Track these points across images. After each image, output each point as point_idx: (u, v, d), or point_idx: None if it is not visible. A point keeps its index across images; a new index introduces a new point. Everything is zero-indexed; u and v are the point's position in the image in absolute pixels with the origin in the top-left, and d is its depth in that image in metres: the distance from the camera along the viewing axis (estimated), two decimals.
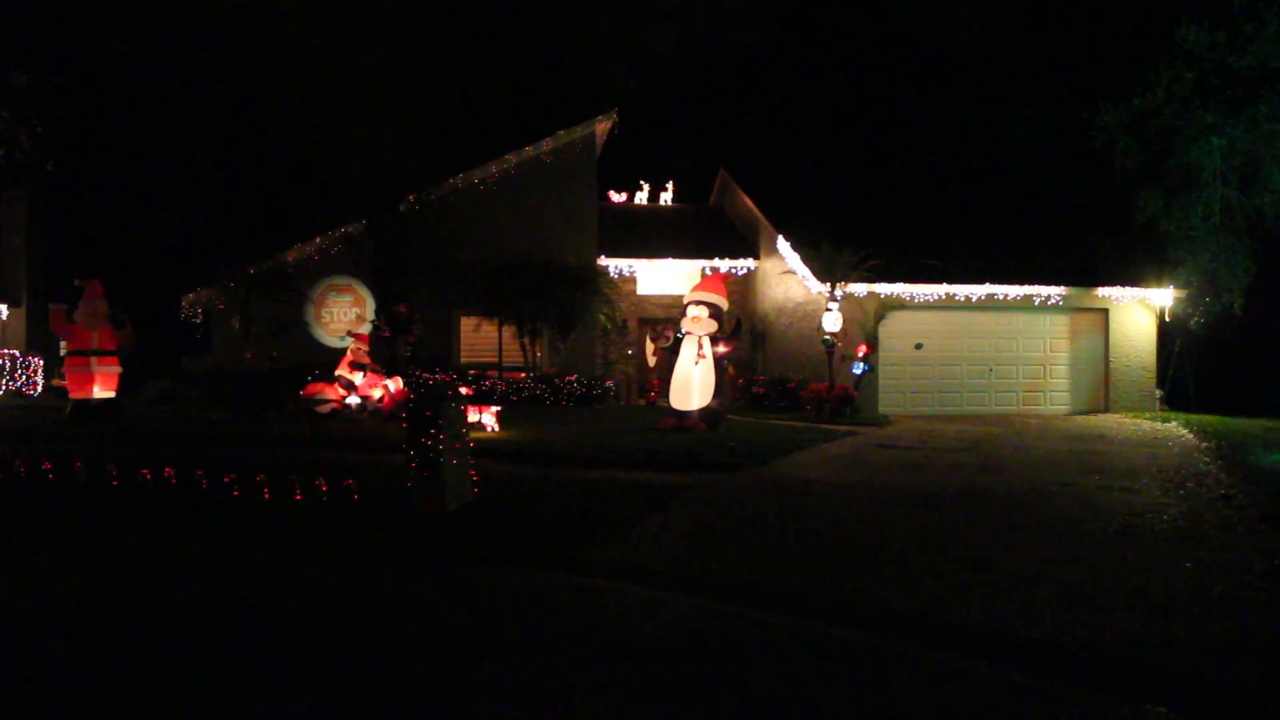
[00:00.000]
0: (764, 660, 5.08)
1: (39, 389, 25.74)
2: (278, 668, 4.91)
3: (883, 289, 22.29)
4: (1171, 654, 5.16)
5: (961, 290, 22.67)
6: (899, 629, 5.63)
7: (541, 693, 4.56)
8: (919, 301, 22.67)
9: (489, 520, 8.46)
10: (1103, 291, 23.34)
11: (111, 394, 16.61)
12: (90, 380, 16.24)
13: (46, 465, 10.19)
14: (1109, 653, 5.17)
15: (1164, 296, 23.47)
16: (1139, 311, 23.78)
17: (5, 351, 26.28)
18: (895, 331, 22.76)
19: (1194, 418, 20.98)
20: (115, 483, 9.85)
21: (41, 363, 26.43)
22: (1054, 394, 23.86)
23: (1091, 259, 24.14)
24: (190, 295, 24.94)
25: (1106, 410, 23.51)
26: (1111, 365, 23.75)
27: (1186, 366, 24.15)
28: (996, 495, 10.38)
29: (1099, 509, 9.49)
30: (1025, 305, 23.16)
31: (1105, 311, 23.70)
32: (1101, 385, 23.92)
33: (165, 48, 19.11)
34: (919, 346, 23.10)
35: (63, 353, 19.15)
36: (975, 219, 26.46)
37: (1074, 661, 5.10)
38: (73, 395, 16.45)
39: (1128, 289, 23.38)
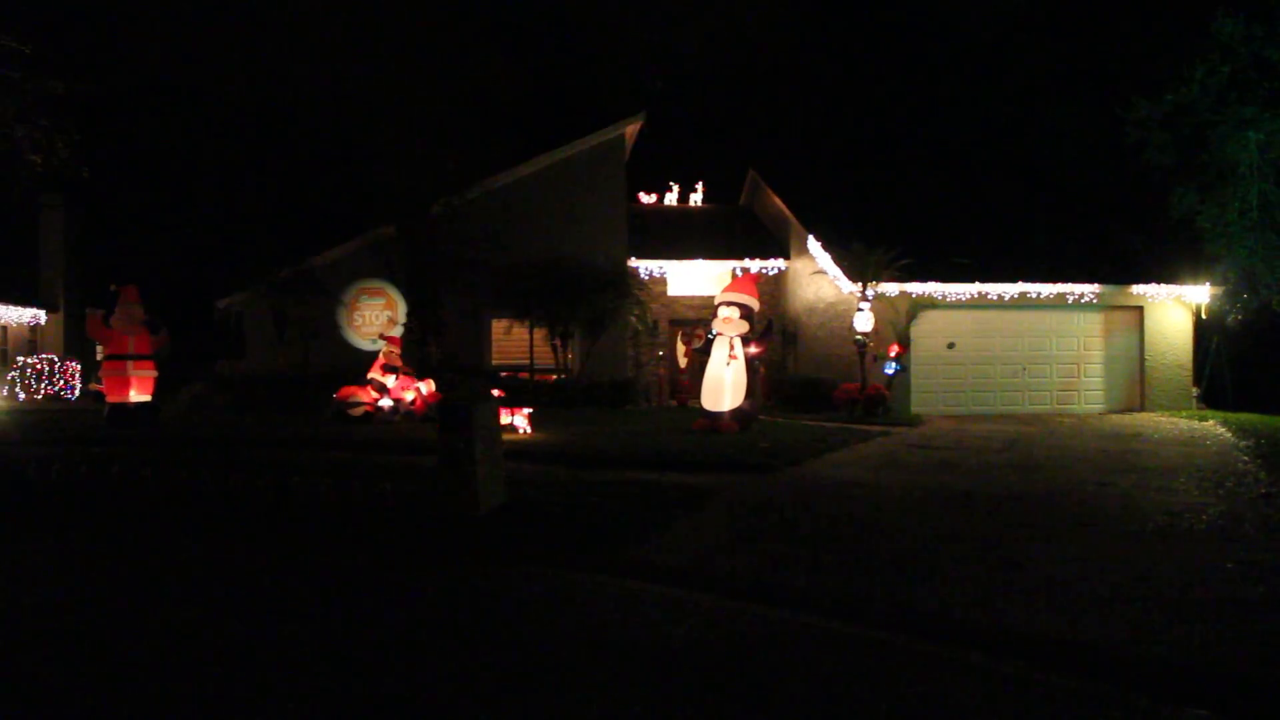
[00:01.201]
0: (798, 662, 5.04)
1: (77, 393, 26.03)
2: (300, 668, 4.91)
3: (914, 288, 22.17)
4: (1213, 656, 5.08)
5: (994, 289, 22.52)
6: (934, 630, 5.57)
7: (572, 694, 4.54)
8: (951, 300, 22.54)
9: (521, 522, 8.46)
10: (1137, 289, 23.10)
11: (148, 398, 16.74)
12: (127, 384, 16.38)
13: (84, 469, 10.27)
14: (1148, 654, 5.10)
15: (1200, 293, 23.22)
16: (1174, 309, 23.52)
17: (44, 356, 26.62)
18: (927, 331, 22.64)
19: (1232, 416, 20.75)
20: (151, 485, 9.92)
21: (79, 367, 26.74)
22: (1088, 393, 23.65)
23: (1125, 256, 23.92)
24: (224, 300, 25.17)
25: (1142, 409, 23.28)
26: (1147, 363, 23.51)
27: (1224, 364, 23.89)
28: (1031, 495, 10.29)
29: (1136, 509, 9.38)
30: (1058, 303, 22.97)
31: (1140, 309, 23.46)
32: (1137, 384, 23.69)
33: (199, 55, 19.26)
34: (951, 346, 22.96)
35: (100, 357, 19.35)
36: (1007, 217, 26.29)
37: (1112, 663, 5.03)
38: (110, 399, 16.59)
39: (1163, 286, 23.14)
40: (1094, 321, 23.64)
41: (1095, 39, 32.42)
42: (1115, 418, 21.69)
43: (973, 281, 22.45)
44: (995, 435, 17.34)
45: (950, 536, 8.08)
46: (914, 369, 22.42)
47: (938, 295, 22.46)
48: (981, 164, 30.05)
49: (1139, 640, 5.30)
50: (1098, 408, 23.49)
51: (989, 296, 22.61)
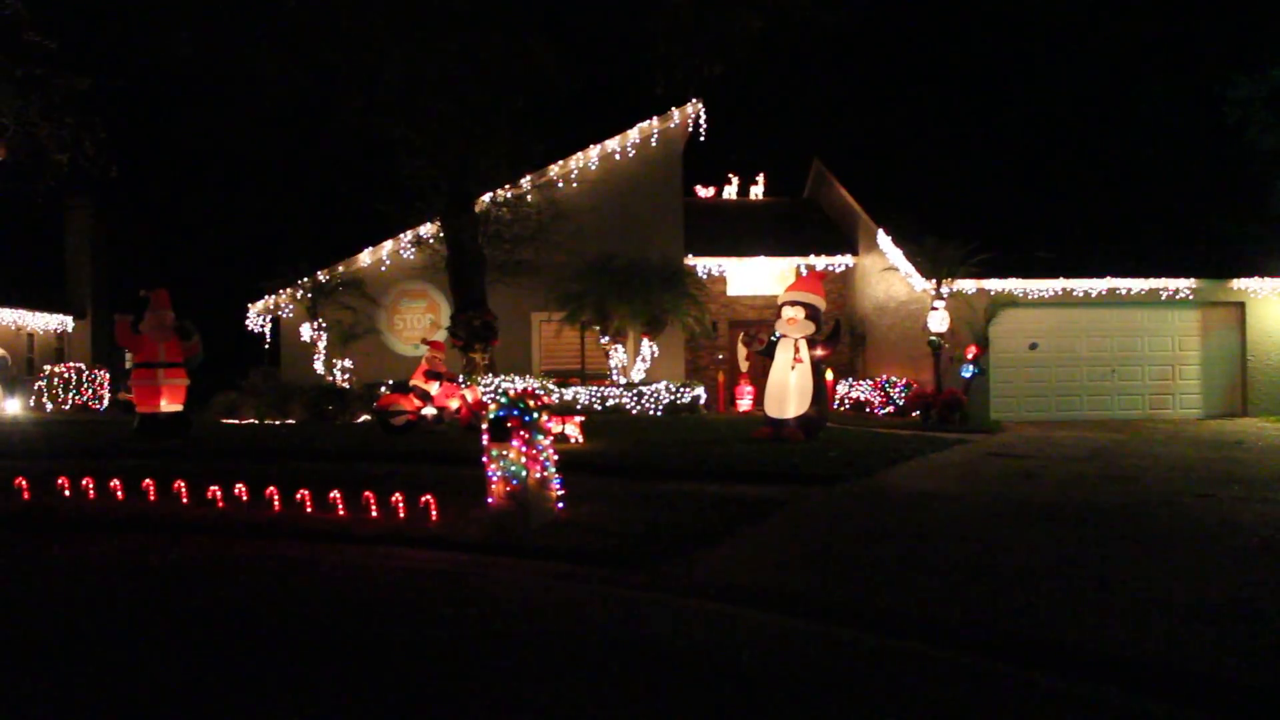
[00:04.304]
0: (868, 685, 5.03)
1: (105, 402, 26.48)
2: (342, 691, 4.98)
3: (993, 285, 21.99)
4: None
5: (1079, 285, 22.28)
6: (1015, 652, 5.53)
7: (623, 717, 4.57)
8: (1033, 298, 22.33)
9: (573, 536, 8.51)
10: (1238, 283, 22.72)
11: (179, 407, 16.93)
12: (157, 393, 16.57)
13: (115, 483, 10.47)
14: (1260, 683, 5.03)
15: None
16: None
17: (71, 365, 27.12)
18: (1007, 331, 22.44)
19: None
20: (185, 500, 10.09)
21: (108, 375, 27.19)
22: (1184, 396, 23.32)
23: (1225, 248, 23.48)
24: (258, 303, 25.48)
25: (1244, 414, 22.90)
26: (1249, 364, 23.12)
27: None
28: (1122, 508, 10.16)
29: (1238, 523, 9.23)
30: (1151, 300, 22.66)
31: (1241, 305, 23.09)
32: (1237, 386, 23.30)
33: (230, 47, 19.54)
34: (1034, 347, 22.73)
35: (129, 365, 19.66)
36: (1094, 207, 25.96)
37: (1216, 692, 4.96)
38: (139, 409, 16.78)
39: (1267, 280, 22.72)
40: (1190, 319, 23.30)
41: (1192, 11, 31.97)
42: (1214, 423, 21.36)
43: (1056, 277, 22.22)
44: (1082, 443, 17.15)
45: (1033, 552, 8.01)
46: (993, 372, 22.24)
47: (1018, 292, 22.26)
48: (1066, 150, 29.68)
49: (1241, 666, 5.23)
50: (1194, 412, 23.15)
51: (1074, 293, 22.37)
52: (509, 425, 8.89)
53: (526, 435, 8.91)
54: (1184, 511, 9.91)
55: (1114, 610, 6.24)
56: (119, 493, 10.39)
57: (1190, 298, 22.72)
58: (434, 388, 18.13)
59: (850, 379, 25.68)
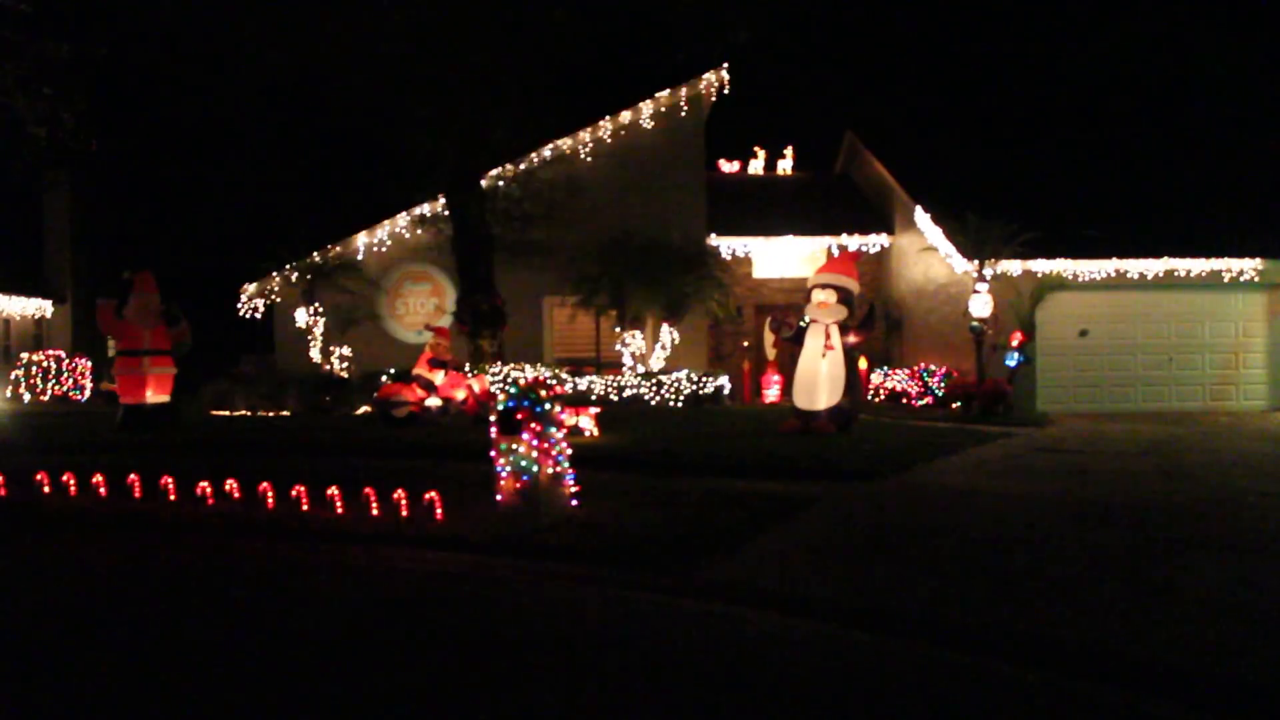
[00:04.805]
0: (906, 696, 5.02)
1: (87, 393, 26.58)
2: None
3: (1040, 266, 21.90)
4: None
5: (1134, 266, 22.16)
6: (1064, 662, 5.51)
7: None
8: (1083, 280, 22.23)
9: (587, 535, 8.50)
10: None
11: (166, 398, 16.96)
12: (143, 383, 16.60)
13: (98, 479, 10.51)
14: None
15: None
16: None
17: (50, 353, 27.22)
18: (1055, 316, 22.35)
19: None
20: (173, 498, 10.12)
21: (89, 364, 27.27)
22: (1248, 387, 23.18)
23: None
24: (250, 287, 25.52)
25: None
26: None
27: None
28: (1180, 507, 10.11)
29: None
30: (1212, 282, 22.52)
31: None
32: None
33: (221, 12, 19.54)
34: (1084, 333, 22.65)
35: (112, 353, 19.72)
36: (1150, 182, 25.79)
37: (1270, 703, 4.95)
38: (124, 400, 16.80)
39: None
40: (1256, 303, 23.16)
41: None
42: None
43: (1109, 258, 22.11)
44: (1137, 437, 17.09)
45: (1084, 554, 7.97)
46: (1040, 360, 22.16)
47: (1067, 274, 22.16)
48: (1120, 121, 29.49)
49: None
50: (1260, 404, 23.02)
51: (1128, 275, 22.25)
52: (519, 417, 8.88)
53: (538, 428, 8.90)
54: (1248, 512, 9.87)
55: (1176, 618, 6.20)
56: (102, 489, 10.42)
57: (1256, 279, 22.55)
58: (439, 377, 18.14)
59: (885, 367, 25.63)
